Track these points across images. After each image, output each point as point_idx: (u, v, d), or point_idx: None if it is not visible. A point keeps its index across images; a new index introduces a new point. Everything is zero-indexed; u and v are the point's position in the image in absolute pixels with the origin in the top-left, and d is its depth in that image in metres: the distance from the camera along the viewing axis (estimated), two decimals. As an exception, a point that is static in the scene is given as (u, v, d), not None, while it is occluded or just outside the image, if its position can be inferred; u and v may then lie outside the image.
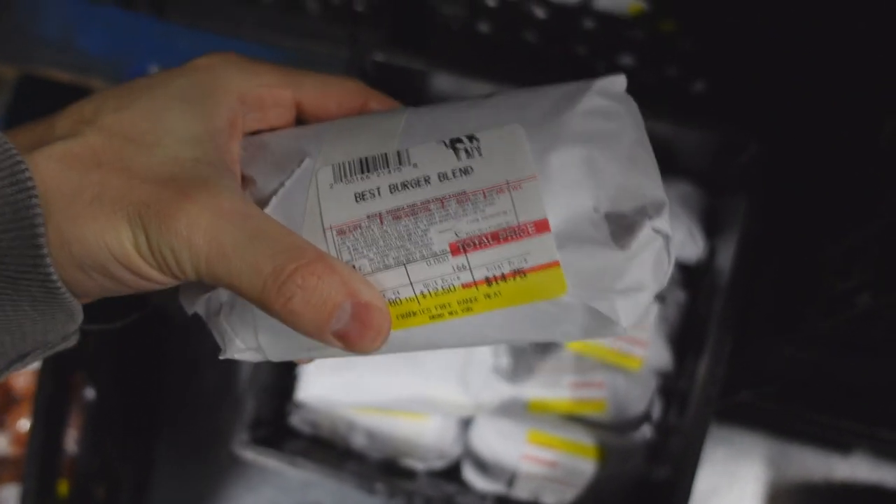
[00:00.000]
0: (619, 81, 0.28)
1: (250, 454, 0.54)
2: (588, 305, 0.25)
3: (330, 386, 0.58)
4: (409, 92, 0.63)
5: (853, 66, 0.52)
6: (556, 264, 0.25)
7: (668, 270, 0.27)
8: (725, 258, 0.57)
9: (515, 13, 0.64)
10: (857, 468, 0.73)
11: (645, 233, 0.25)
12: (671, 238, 0.26)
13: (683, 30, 0.61)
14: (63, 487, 0.63)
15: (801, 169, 0.56)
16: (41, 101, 0.80)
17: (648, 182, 0.26)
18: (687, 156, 0.61)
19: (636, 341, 0.61)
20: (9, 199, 0.22)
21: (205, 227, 0.23)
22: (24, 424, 0.66)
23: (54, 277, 0.23)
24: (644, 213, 0.26)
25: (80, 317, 0.25)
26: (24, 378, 0.67)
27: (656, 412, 0.62)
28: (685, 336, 0.62)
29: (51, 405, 0.59)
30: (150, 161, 0.24)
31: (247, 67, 0.28)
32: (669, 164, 0.63)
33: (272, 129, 0.29)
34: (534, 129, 0.26)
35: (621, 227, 0.25)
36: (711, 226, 0.63)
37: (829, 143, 0.53)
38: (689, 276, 0.64)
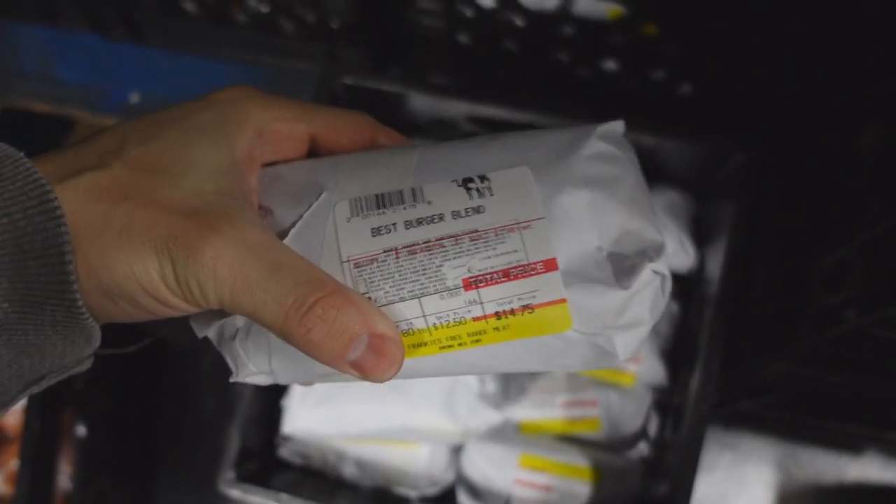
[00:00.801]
0: (618, 126, 0.31)
1: (236, 492, 0.53)
2: (590, 340, 0.26)
3: (315, 418, 0.57)
4: (383, 113, 0.62)
5: (834, 70, 0.50)
6: (563, 301, 0.26)
7: (662, 307, 0.28)
8: (715, 268, 0.56)
9: (494, 23, 0.63)
10: (868, 468, 0.72)
11: (645, 274, 0.27)
12: (668, 278, 0.28)
13: (665, 34, 0.60)
14: (57, 526, 0.63)
15: (790, 177, 0.55)
16: (21, 134, 0.79)
17: (647, 225, 0.28)
18: (673, 164, 0.60)
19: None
20: (38, 227, 0.23)
21: (229, 259, 0.24)
22: (16, 463, 0.66)
23: (80, 304, 0.24)
24: (644, 255, 0.27)
25: (97, 341, 0.26)
26: (14, 417, 0.67)
27: (653, 428, 0.60)
28: (678, 349, 0.61)
29: (38, 444, 0.59)
30: (175, 194, 0.26)
31: (264, 101, 0.29)
32: (656, 172, 0.62)
33: (287, 161, 0.31)
34: (540, 171, 0.28)
35: (623, 268, 0.27)
36: (701, 234, 0.61)
37: (814, 151, 0.51)
38: (680, 286, 0.62)
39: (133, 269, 0.25)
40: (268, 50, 0.75)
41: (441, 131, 0.63)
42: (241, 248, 0.25)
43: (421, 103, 0.58)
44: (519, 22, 0.62)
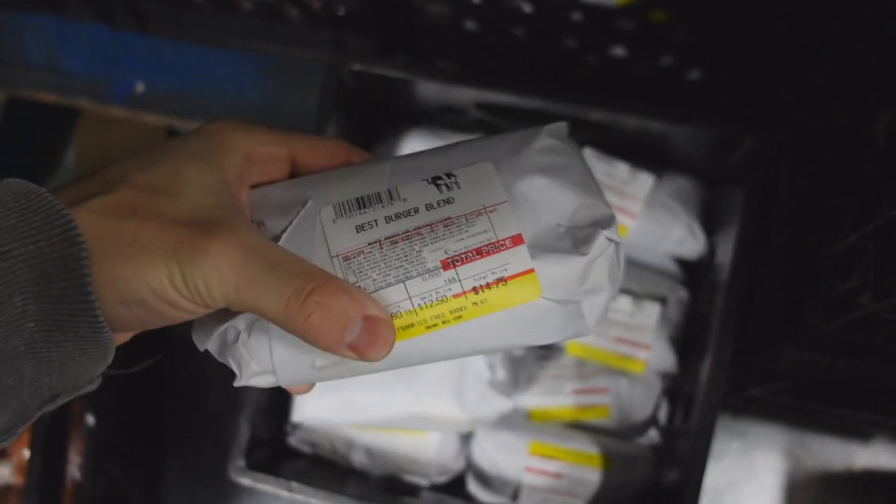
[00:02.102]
0: (561, 127, 0.34)
1: (247, 480, 0.53)
2: (560, 307, 0.29)
3: (324, 406, 0.57)
4: (392, 99, 0.61)
5: (848, 56, 0.50)
6: (531, 271, 0.29)
7: (620, 276, 0.31)
8: (725, 254, 0.56)
9: (501, 9, 0.62)
10: (878, 455, 0.71)
11: (600, 240, 0.30)
12: (621, 245, 0.31)
13: (674, 19, 0.59)
14: (68, 515, 0.63)
15: (801, 163, 0.54)
16: (29, 124, 0.79)
17: (598, 201, 0.31)
18: (683, 150, 0.60)
19: (638, 344, 0.59)
20: (62, 253, 0.26)
21: (232, 259, 0.27)
22: (27, 453, 0.66)
23: (101, 318, 0.27)
24: (598, 224, 0.30)
25: (111, 356, 0.28)
26: (24, 407, 0.66)
27: (663, 416, 0.60)
28: (688, 336, 0.60)
29: (48, 434, 0.59)
30: (177, 208, 0.28)
31: (249, 130, 0.32)
32: (666, 158, 0.61)
33: (271, 182, 0.34)
34: (500, 164, 0.31)
35: (580, 238, 0.30)
36: (711, 221, 0.61)
37: (826, 136, 0.51)
38: (690, 273, 0.62)
39: (144, 275, 0.27)
40: (274, 38, 0.74)
41: (450, 118, 0.62)
42: (241, 249, 0.27)
43: (429, 90, 0.58)
44: (526, 8, 0.61)
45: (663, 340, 0.60)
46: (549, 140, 0.32)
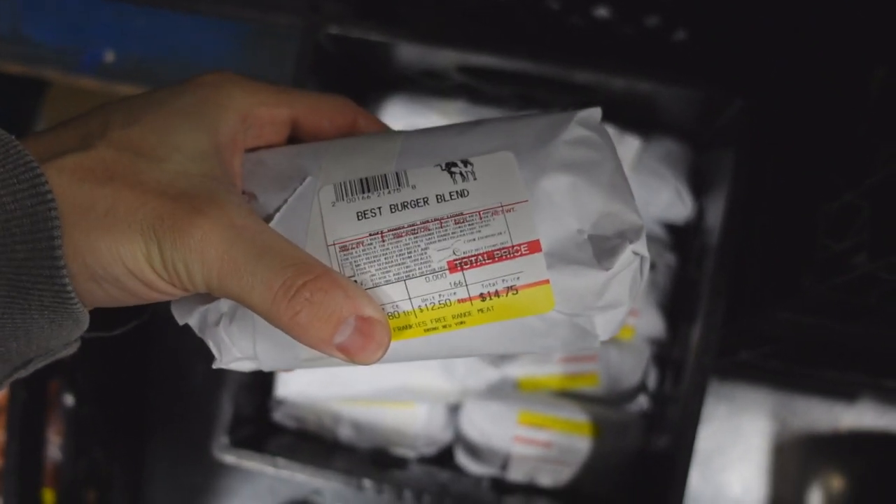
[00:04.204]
0: (595, 113, 0.30)
1: (231, 457, 0.52)
2: (571, 321, 0.27)
3: (309, 381, 0.56)
4: (371, 64, 0.60)
5: (839, 10, 0.49)
6: (546, 282, 0.26)
7: (641, 288, 0.29)
8: (715, 218, 0.55)
9: (482, -30, 0.60)
10: (863, 416, 0.72)
11: (626, 255, 0.27)
12: (647, 259, 0.28)
13: (659, -23, 0.58)
14: (48, 496, 0.62)
15: (792, 122, 0.53)
16: (-5, 97, 0.77)
17: (627, 208, 0.28)
18: (670, 112, 0.59)
19: (627, 310, 0.59)
20: (28, 210, 0.23)
21: (217, 241, 0.24)
22: (3, 436, 0.65)
23: (69, 289, 0.24)
24: (624, 236, 0.27)
25: (86, 325, 0.26)
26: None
27: (652, 382, 0.60)
28: (677, 301, 0.60)
29: (25, 416, 0.58)
30: (161, 176, 0.25)
31: (247, 86, 0.29)
32: (653, 121, 0.60)
33: (269, 146, 0.31)
34: (522, 155, 0.28)
35: (603, 249, 0.27)
36: (699, 184, 0.60)
37: (818, 93, 0.50)
38: (678, 237, 0.61)
39: (119, 251, 0.24)
40: (248, 3, 0.72)
41: (431, 83, 0.61)
42: (229, 231, 0.25)
43: (409, 53, 0.56)
44: (508, -32, 0.60)
45: (652, 306, 0.59)
46: (579, 130, 0.29)
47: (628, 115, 0.59)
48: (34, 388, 0.58)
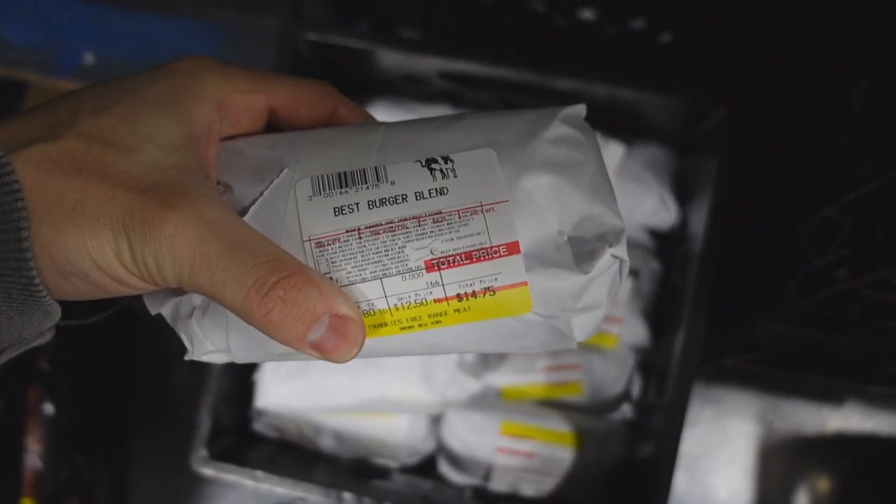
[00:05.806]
0: (580, 110, 0.30)
1: (210, 470, 0.52)
2: (549, 322, 0.27)
3: (288, 392, 0.56)
4: (351, 69, 0.59)
5: (824, 18, 0.48)
6: (524, 284, 0.26)
7: (619, 290, 0.29)
8: (698, 225, 0.54)
9: (464, -28, 0.60)
10: (849, 418, 0.72)
11: (605, 258, 0.27)
12: (626, 262, 0.28)
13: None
14: (28, 506, 0.61)
15: (776, 130, 0.53)
16: (-28, 101, 0.76)
17: (608, 210, 0.28)
18: (654, 118, 0.58)
19: (611, 319, 0.58)
20: None
21: (189, 237, 0.24)
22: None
23: (37, 281, 0.23)
24: (604, 239, 0.27)
25: (57, 316, 0.25)
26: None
27: (636, 390, 0.59)
28: (661, 308, 0.59)
29: (3, 424, 0.57)
30: (131, 168, 0.24)
31: (222, 72, 0.28)
32: (637, 126, 0.60)
33: (246, 135, 0.30)
34: (504, 152, 0.28)
35: (583, 252, 0.27)
36: (683, 190, 0.59)
37: (803, 102, 0.49)
38: (662, 244, 0.61)
39: (87, 246, 0.24)
40: (227, 5, 0.71)
41: (413, 88, 0.60)
42: (201, 226, 0.24)
43: (390, 59, 0.56)
44: (491, -30, 0.59)
45: (636, 314, 0.58)
46: (563, 128, 0.29)
47: (611, 120, 0.58)
48: (12, 397, 0.57)
